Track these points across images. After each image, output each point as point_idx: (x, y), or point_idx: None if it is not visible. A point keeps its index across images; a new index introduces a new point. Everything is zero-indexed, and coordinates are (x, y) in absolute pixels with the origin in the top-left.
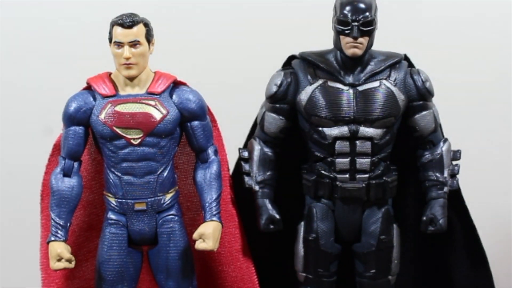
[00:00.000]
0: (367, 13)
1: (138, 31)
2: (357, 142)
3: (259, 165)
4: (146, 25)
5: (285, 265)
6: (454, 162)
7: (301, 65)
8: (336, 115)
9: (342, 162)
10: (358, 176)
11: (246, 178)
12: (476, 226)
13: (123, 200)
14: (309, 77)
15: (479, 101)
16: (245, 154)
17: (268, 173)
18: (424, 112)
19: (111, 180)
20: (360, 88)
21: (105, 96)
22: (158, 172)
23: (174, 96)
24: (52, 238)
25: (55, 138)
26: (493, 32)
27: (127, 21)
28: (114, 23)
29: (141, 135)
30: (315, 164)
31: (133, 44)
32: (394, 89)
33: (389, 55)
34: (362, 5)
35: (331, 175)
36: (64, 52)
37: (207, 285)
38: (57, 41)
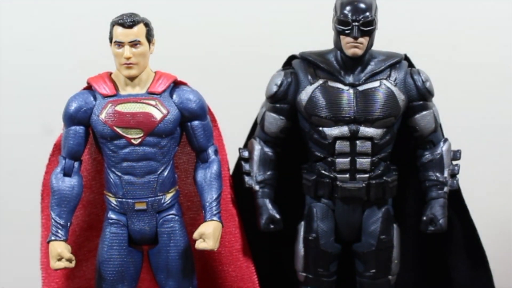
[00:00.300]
0: (368, 13)
1: (139, 31)
2: (357, 142)
3: (260, 165)
4: (147, 25)
5: (285, 264)
6: (454, 162)
7: (301, 65)
8: (336, 115)
9: (342, 162)
10: (358, 176)
11: (246, 178)
12: (476, 226)
13: (124, 200)
14: (309, 77)
15: (479, 100)
16: (245, 154)
17: (268, 173)
18: (424, 112)
19: (111, 180)
20: (360, 88)
21: (105, 96)
22: (159, 172)
23: (174, 96)
24: (53, 238)
25: (55, 138)
26: (494, 31)
27: (128, 21)
28: (114, 23)
29: (142, 135)
30: (315, 164)
31: (134, 44)
32: (394, 89)
33: (389, 55)
34: (362, 5)
35: (331, 175)
36: (64, 52)
37: (207, 284)
38: (58, 40)
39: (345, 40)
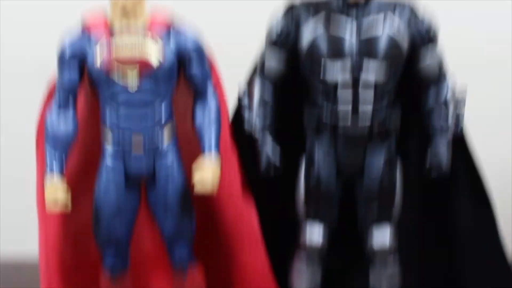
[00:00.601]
0: None
1: None
2: (359, 88)
3: (259, 108)
4: None
5: (286, 208)
6: (458, 107)
7: (302, 7)
8: (338, 51)
9: (344, 101)
10: (360, 120)
11: (246, 122)
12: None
13: (120, 135)
14: (310, 16)
15: (485, 45)
16: (245, 98)
17: (268, 117)
18: (428, 58)
19: (107, 115)
20: (362, 33)
21: (101, 39)
22: (156, 112)
23: (171, 38)
24: (48, 174)
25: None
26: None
27: None
28: None
29: (138, 79)
30: (317, 104)
31: None
32: (398, 31)
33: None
34: None
35: (333, 116)
36: None
37: (207, 223)
38: None
39: None
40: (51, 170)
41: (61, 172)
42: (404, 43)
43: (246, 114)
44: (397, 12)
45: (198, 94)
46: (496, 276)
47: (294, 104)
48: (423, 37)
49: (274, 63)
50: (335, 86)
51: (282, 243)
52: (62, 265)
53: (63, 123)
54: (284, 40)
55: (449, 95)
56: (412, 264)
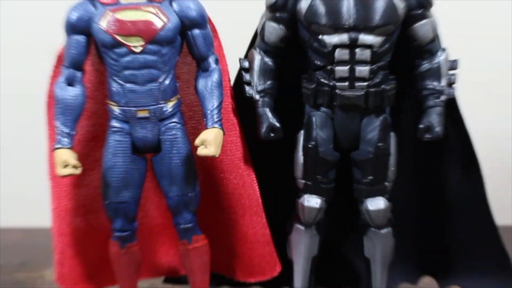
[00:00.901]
0: None
1: None
2: (357, 50)
3: (260, 74)
4: None
5: (285, 172)
6: (451, 72)
7: None
8: (335, 22)
9: (342, 70)
10: (357, 84)
11: (247, 88)
12: (470, 135)
13: (126, 108)
14: None
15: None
16: (246, 64)
17: (268, 82)
18: (423, 21)
19: (114, 89)
20: None
21: (105, 4)
22: (160, 80)
23: (174, 4)
24: (58, 146)
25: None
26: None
27: None
28: None
29: (142, 43)
30: (315, 72)
31: None
32: None
33: None
34: None
35: (331, 83)
36: None
37: (210, 191)
38: None
39: None
40: (61, 135)
41: (70, 136)
42: (400, 5)
43: (247, 78)
44: None
45: (200, 60)
46: (482, 236)
47: (294, 75)
48: (419, 1)
49: (274, 28)
50: (333, 47)
51: (281, 211)
52: (74, 233)
53: (71, 90)
54: (284, 3)
55: (442, 58)
56: (403, 227)
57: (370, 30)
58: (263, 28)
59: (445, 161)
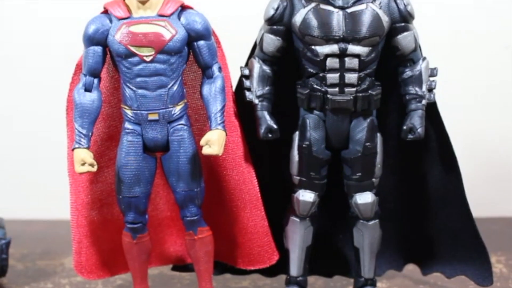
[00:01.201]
0: None
1: None
2: (346, 59)
3: (259, 81)
4: None
5: (282, 169)
6: (431, 78)
7: None
8: (327, 34)
9: (332, 77)
10: (346, 89)
11: (247, 93)
12: (449, 136)
13: (138, 111)
14: (303, 1)
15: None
16: (246, 71)
17: (266, 88)
18: (405, 33)
19: (127, 94)
20: (348, 10)
21: (120, 18)
22: (169, 86)
23: (182, 18)
24: (76, 146)
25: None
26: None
27: None
28: None
29: (153, 53)
30: (308, 79)
31: None
32: (379, 11)
33: None
34: None
35: (323, 89)
36: None
37: (213, 187)
38: None
39: None
40: (79, 136)
41: (87, 137)
42: (385, 18)
43: (247, 84)
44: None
45: (205, 68)
46: (461, 227)
47: (289, 82)
48: (402, 15)
49: (271, 39)
50: (325, 56)
51: (278, 205)
52: (90, 225)
53: (88, 95)
54: (280, 17)
55: (423, 65)
56: (389, 219)
57: (358, 41)
58: (261, 40)
59: (426, 159)
